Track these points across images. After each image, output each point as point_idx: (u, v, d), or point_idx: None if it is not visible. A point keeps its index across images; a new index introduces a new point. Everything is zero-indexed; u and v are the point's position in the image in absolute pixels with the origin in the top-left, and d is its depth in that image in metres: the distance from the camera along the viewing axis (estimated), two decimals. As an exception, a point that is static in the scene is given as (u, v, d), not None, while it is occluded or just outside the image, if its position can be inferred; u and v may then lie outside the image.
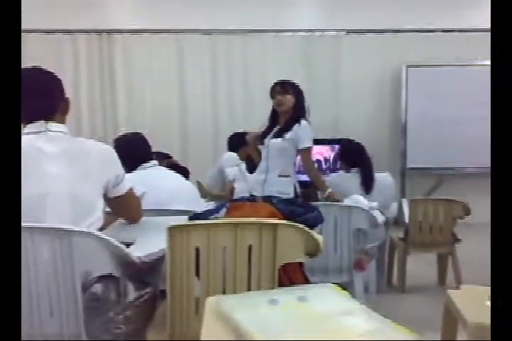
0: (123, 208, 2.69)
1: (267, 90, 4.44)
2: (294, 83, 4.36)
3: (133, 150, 3.67)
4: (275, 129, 4.33)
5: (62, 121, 2.41)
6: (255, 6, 7.87)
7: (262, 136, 4.41)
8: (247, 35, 8.02)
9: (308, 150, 4.26)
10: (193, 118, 8.14)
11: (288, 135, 4.20)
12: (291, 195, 4.19)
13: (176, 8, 7.83)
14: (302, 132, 4.19)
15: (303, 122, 4.19)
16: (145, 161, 3.71)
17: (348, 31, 8.06)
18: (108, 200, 2.51)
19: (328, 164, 7.00)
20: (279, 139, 4.24)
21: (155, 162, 3.79)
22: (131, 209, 2.76)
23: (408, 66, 7.88)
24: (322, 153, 7.00)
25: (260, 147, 4.47)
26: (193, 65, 8.07)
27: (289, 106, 4.25)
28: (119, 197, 2.54)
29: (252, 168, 4.92)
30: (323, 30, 8.08)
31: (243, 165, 5.46)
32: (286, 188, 4.21)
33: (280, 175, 4.26)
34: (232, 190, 5.34)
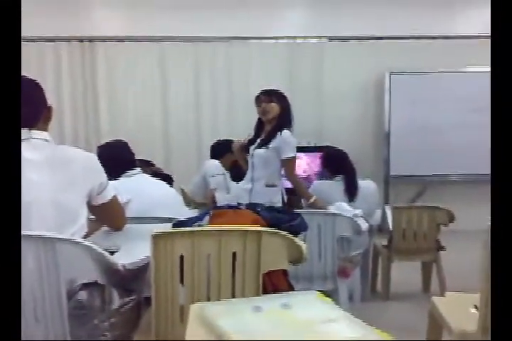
0: (107, 216, 2.69)
1: (250, 97, 4.46)
2: (279, 92, 4.36)
3: (117, 158, 3.66)
4: (259, 139, 4.33)
5: (45, 129, 2.40)
6: (238, 13, 7.89)
7: (247, 146, 4.41)
8: (230, 42, 8.03)
9: (291, 160, 4.26)
10: (176, 125, 8.13)
11: (271, 145, 4.20)
12: (279, 204, 4.19)
13: (158, 16, 7.84)
14: (284, 142, 4.19)
15: (284, 132, 4.19)
16: (129, 169, 3.71)
17: (331, 38, 8.08)
18: (92, 208, 2.51)
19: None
20: (263, 149, 4.24)
21: (139, 169, 3.79)
22: (115, 217, 2.76)
23: (391, 73, 7.92)
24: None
25: (246, 156, 4.47)
26: (175, 73, 8.06)
27: (273, 114, 4.25)
28: (102, 204, 2.54)
29: (237, 176, 4.93)
30: (305, 37, 8.10)
31: (228, 174, 5.47)
32: (273, 198, 4.21)
33: (267, 185, 4.27)
34: (213, 198, 5.35)
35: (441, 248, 4.84)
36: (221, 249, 2.32)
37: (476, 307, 2.46)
